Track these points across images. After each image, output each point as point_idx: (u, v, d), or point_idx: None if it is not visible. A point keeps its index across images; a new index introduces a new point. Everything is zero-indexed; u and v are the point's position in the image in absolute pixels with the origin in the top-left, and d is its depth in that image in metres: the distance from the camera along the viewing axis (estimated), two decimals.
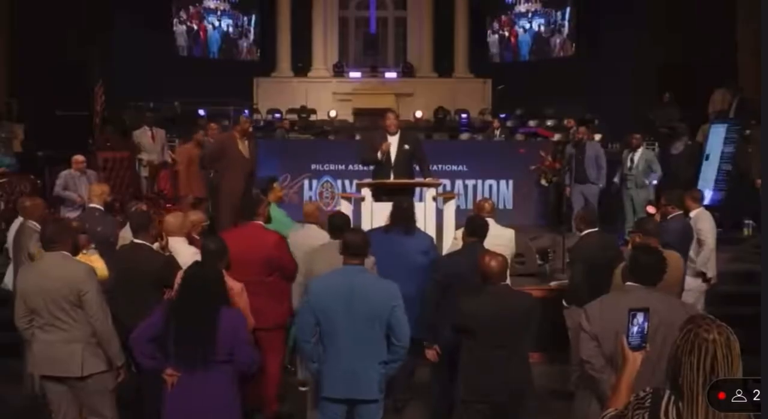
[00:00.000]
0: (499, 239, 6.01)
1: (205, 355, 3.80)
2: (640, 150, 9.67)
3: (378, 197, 7.44)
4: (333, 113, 15.90)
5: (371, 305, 4.03)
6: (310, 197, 11.44)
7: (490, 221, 6.10)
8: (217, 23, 17.97)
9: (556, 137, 12.98)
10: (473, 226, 5.30)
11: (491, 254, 4.54)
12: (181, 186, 10.02)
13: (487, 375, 4.34)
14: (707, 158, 10.65)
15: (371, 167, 8.15)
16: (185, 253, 5.21)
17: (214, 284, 3.95)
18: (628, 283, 3.77)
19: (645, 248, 4.06)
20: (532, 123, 14.62)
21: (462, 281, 4.84)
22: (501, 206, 10.76)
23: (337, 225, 5.32)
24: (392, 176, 7.70)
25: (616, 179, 9.73)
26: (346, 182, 11.18)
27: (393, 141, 7.76)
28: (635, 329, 2.59)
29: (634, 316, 2.60)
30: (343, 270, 4.18)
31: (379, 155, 7.70)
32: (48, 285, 4.33)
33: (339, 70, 17.84)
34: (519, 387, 4.41)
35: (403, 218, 5.75)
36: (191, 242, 5.66)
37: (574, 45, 17.18)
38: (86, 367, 4.37)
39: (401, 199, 6.16)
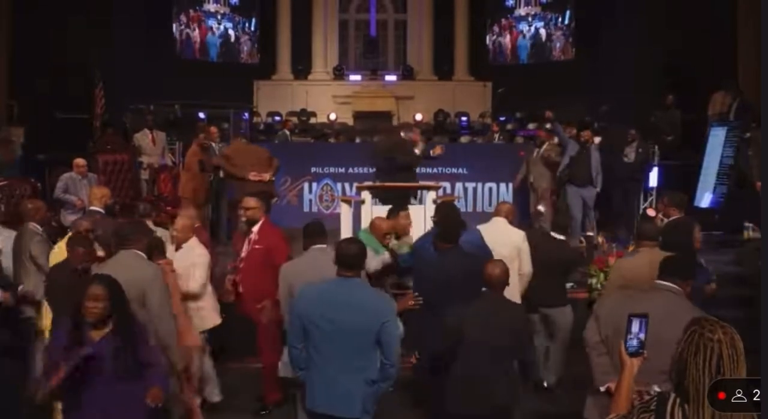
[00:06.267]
0: (507, 244, 6.02)
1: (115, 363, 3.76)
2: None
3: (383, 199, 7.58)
4: (333, 116, 15.91)
5: (361, 318, 3.86)
6: (310, 200, 11.47)
7: (503, 223, 6.13)
8: (217, 26, 17.98)
9: (556, 139, 12.99)
10: (447, 233, 5.24)
11: (494, 262, 4.56)
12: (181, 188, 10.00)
13: (474, 389, 4.30)
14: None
15: (373, 170, 8.32)
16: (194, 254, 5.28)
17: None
18: (657, 281, 3.86)
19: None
20: (531, 126, 14.62)
21: (441, 290, 4.85)
22: None
23: (311, 233, 5.25)
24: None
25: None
26: (346, 185, 11.18)
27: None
28: (633, 335, 2.60)
29: (632, 322, 2.60)
30: (336, 281, 4.00)
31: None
32: None
33: (339, 73, 17.84)
34: (505, 401, 4.36)
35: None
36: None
37: (573, 48, 17.20)
38: None
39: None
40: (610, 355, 3.70)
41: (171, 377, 4.43)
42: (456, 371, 4.37)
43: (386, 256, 5.79)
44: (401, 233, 6.36)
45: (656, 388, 2.76)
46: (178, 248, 5.67)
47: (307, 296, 4.01)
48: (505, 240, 6.01)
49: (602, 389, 3.74)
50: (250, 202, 5.85)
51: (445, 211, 5.60)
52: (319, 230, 5.24)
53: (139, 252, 4.49)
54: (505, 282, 4.53)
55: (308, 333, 3.91)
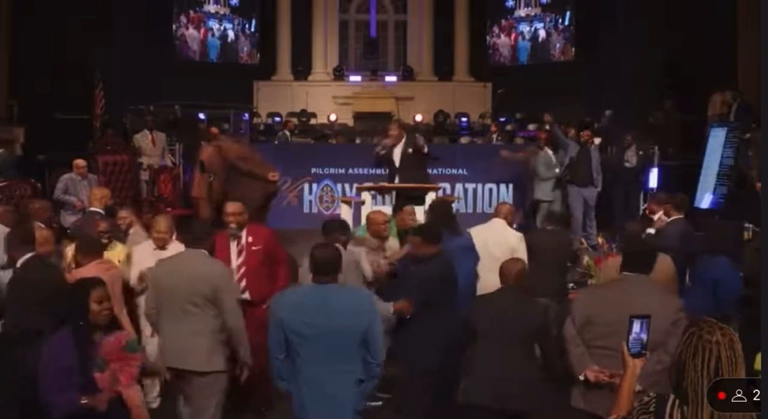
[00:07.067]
0: (502, 244, 6.01)
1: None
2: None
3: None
4: (333, 117, 15.93)
5: (347, 321, 3.80)
6: (310, 201, 11.47)
7: (502, 224, 6.12)
8: (217, 27, 17.99)
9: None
10: (427, 230, 5.27)
11: (511, 260, 4.74)
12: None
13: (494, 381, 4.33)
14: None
15: (385, 171, 8.52)
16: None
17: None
18: (623, 273, 4.04)
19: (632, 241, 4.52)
20: (531, 127, 14.63)
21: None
22: None
23: (327, 229, 5.27)
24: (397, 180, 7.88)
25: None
26: (346, 186, 11.18)
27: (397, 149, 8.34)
28: (635, 336, 2.60)
29: (634, 323, 2.60)
30: (313, 287, 3.93)
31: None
32: (184, 279, 4.40)
33: (339, 74, 17.86)
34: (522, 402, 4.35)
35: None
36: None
37: (573, 49, 17.20)
38: (210, 363, 4.40)
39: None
40: (584, 344, 3.91)
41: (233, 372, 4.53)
42: (472, 367, 4.43)
43: (377, 265, 5.74)
44: (400, 228, 6.32)
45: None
46: (162, 248, 5.65)
47: (285, 303, 3.94)
48: (500, 241, 6.01)
49: (581, 378, 3.87)
50: (237, 207, 5.65)
51: (437, 208, 5.63)
52: (332, 227, 5.32)
53: (205, 252, 4.57)
54: (523, 279, 4.59)
55: (290, 342, 3.83)
